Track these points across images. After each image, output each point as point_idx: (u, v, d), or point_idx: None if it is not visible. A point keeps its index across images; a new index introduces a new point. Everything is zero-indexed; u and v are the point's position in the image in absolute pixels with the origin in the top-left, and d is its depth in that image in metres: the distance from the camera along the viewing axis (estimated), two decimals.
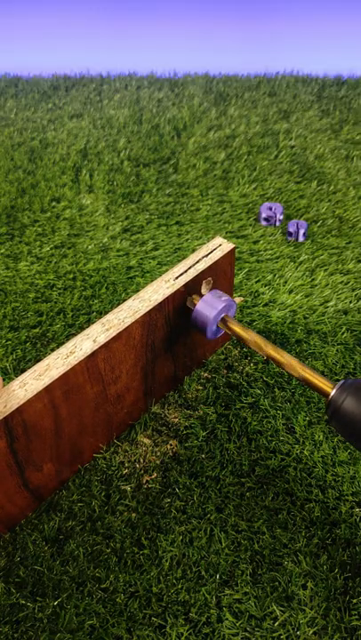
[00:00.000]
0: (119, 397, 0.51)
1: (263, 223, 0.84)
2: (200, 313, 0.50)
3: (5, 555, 0.47)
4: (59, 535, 0.48)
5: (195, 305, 0.50)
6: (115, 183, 0.94)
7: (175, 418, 0.57)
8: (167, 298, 0.49)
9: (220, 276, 0.54)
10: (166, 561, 0.46)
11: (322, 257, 0.77)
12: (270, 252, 0.79)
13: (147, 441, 0.55)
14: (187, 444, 0.54)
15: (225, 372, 0.61)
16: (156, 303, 0.48)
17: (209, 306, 0.49)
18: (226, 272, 0.55)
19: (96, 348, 0.44)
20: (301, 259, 0.77)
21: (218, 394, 0.59)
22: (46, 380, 0.42)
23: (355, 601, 0.43)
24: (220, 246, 0.53)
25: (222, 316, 0.50)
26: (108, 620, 0.43)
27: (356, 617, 0.42)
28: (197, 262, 0.51)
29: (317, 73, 1.30)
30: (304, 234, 0.80)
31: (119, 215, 0.87)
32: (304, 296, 0.71)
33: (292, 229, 0.80)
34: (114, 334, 0.45)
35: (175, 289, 0.49)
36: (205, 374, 0.61)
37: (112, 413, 0.52)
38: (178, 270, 0.51)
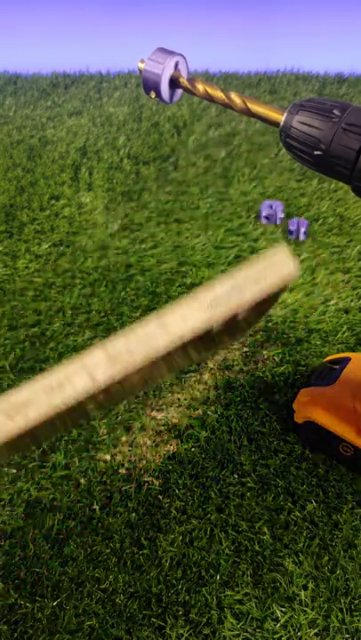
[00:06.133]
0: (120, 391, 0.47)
1: (264, 221, 0.84)
2: (149, 73, 0.43)
3: (5, 554, 0.46)
4: (58, 535, 0.47)
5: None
6: (114, 181, 0.93)
7: (175, 418, 0.56)
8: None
9: (266, 300, 0.45)
10: (166, 561, 0.45)
11: (323, 255, 0.77)
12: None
13: (147, 441, 0.54)
14: (187, 445, 0.54)
15: (225, 372, 0.61)
16: (183, 340, 0.38)
17: (158, 63, 0.43)
18: (274, 297, 0.46)
19: (92, 391, 0.34)
20: (302, 257, 0.77)
21: (218, 394, 0.58)
22: (19, 424, 0.37)
23: (356, 602, 0.43)
24: (281, 271, 0.40)
25: (172, 73, 0.44)
26: (107, 620, 0.42)
27: (359, 618, 0.42)
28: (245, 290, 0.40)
29: (318, 71, 1.30)
30: (305, 232, 0.80)
31: (118, 213, 0.86)
32: (305, 295, 0.70)
33: (292, 228, 0.80)
34: (118, 377, 0.35)
35: (210, 323, 0.41)
36: (206, 375, 0.61)
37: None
38: (221, 292, 0.41)
